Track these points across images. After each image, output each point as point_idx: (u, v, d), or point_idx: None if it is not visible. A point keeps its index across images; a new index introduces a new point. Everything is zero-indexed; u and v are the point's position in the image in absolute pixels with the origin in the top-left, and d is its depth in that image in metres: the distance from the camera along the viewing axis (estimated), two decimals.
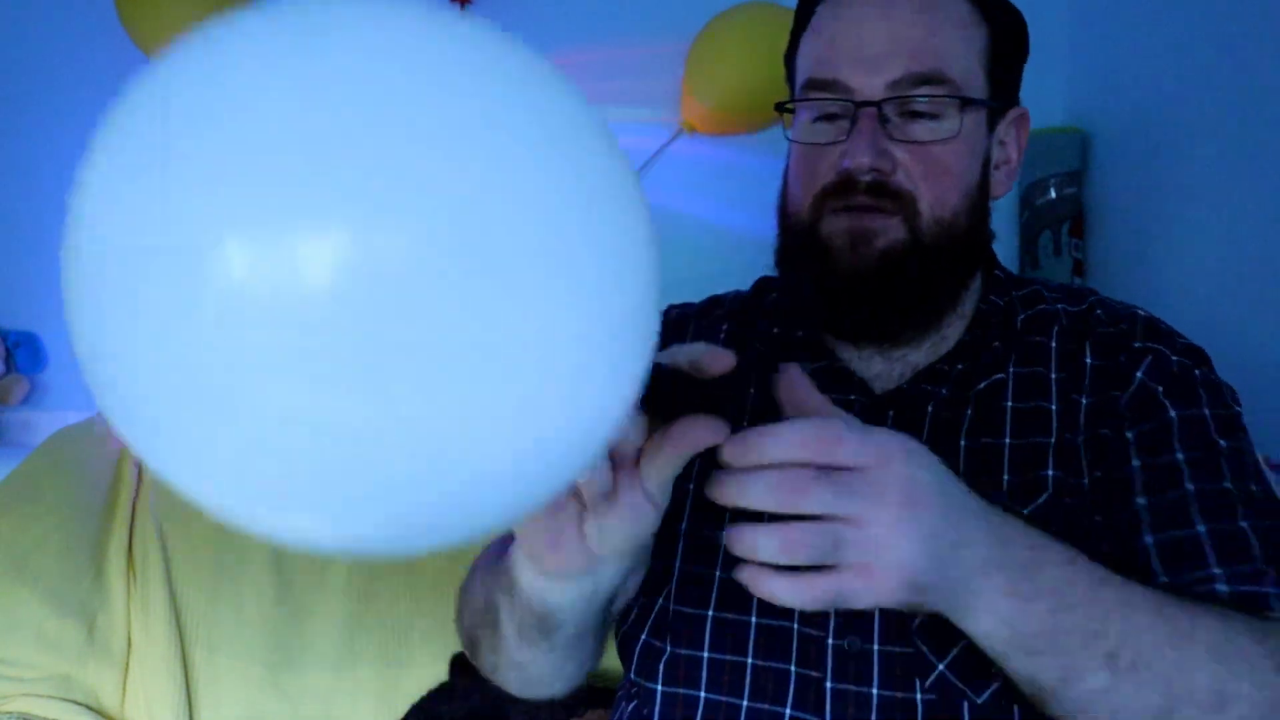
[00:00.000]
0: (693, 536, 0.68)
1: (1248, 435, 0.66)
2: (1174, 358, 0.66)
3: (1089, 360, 0.68)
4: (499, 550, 0.62)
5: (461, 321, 0.29)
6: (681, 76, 1.56)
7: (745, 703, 0.64)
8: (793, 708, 0.62)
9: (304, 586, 1.21)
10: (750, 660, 0.64)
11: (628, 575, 0.56)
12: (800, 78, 0.71)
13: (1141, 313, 0.71)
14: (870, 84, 0.65)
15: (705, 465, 0.48)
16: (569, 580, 0.53)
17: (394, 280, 0.28)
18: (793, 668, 0.63)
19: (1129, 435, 0.65)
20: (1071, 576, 0.50)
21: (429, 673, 1.18)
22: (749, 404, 0.66)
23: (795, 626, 0.64)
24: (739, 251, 1.04)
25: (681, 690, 0.66)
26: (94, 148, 0.31)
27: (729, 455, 0.46)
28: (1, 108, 1.66)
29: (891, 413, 0.69)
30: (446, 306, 0.28)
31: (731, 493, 0.46)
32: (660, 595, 0.68)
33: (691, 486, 0.68)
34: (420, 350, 0.28)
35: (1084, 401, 0.66)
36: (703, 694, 0.65)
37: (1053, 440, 0.65)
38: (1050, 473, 0.64)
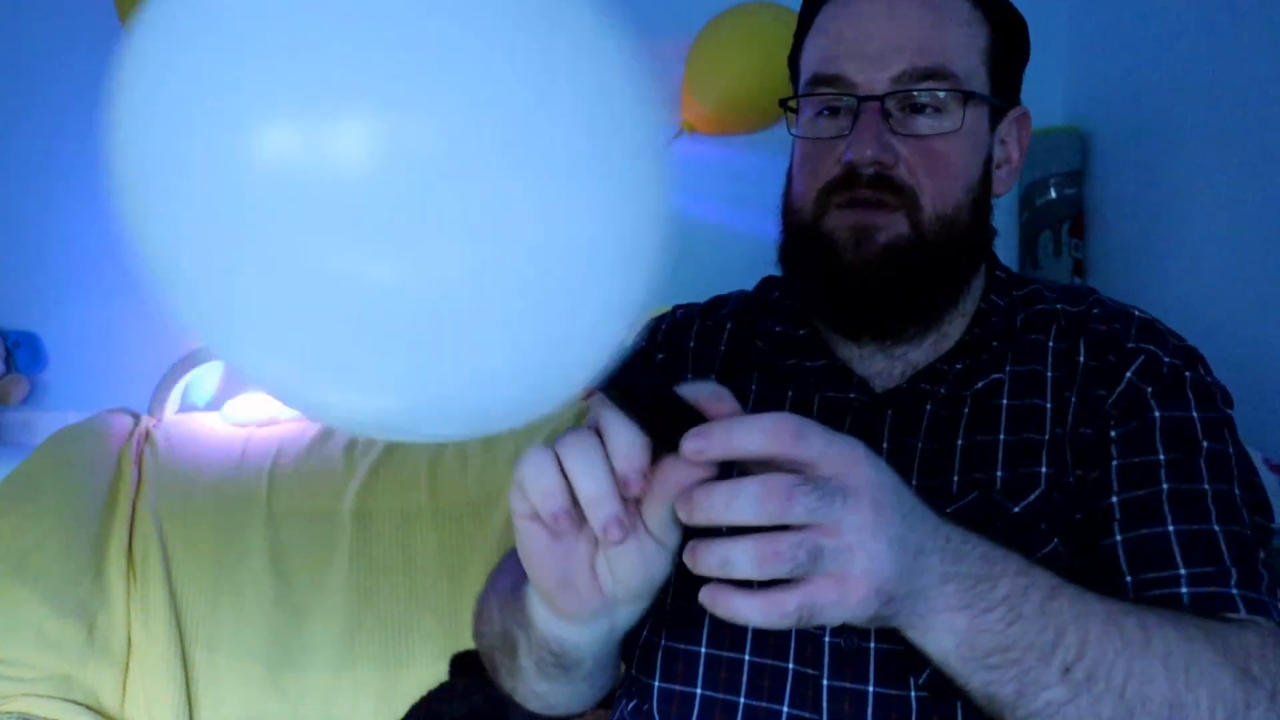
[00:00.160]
0: (691, 533, 0.68)
1: (1237, 439, 0.65)
2: (1166, 359, 0.66)
3: (1082, 359, 0.68)
4: (512, 581, 0.61)
5: (486, 200, 0.32)
6: (681, 76, 1.56)
7: (742, 700, 0.64)
8: (790, 705, 0.62)
9: (304, 586, 1.21)
10: (747, 657, 0.64)
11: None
12: (804, 74, 0.71)
13: (1138, 313, 0.71)
14: (874, 79, 0.66)
15: None
16: (584, 622, 0.52)
17: (427, 158, 0.31)
18: (790, 665, 0.63)
19: (1114, 434, 0.64)
20: (1025, 588, 0.49)
21: (429, 673, 1.18)
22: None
23: None
24: (739, 252, 1.04)
25: (678, 686, 0.66)
26: (136, 34, 0.33)
27: (690, 450, 0.43)
28: (1, 108, 1.66)
29: (890, 411, 0.69)
30: (474, 184, 0.31)
31: (717, 509, 0.42)
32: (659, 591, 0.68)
33: None
34: (449, 222, 0.31)
35: (1074, 399, 0.67)
36: (699, 690, 0.65)
37: (1046, 437, 0.66)
38: (1043, 469, 0.65)
